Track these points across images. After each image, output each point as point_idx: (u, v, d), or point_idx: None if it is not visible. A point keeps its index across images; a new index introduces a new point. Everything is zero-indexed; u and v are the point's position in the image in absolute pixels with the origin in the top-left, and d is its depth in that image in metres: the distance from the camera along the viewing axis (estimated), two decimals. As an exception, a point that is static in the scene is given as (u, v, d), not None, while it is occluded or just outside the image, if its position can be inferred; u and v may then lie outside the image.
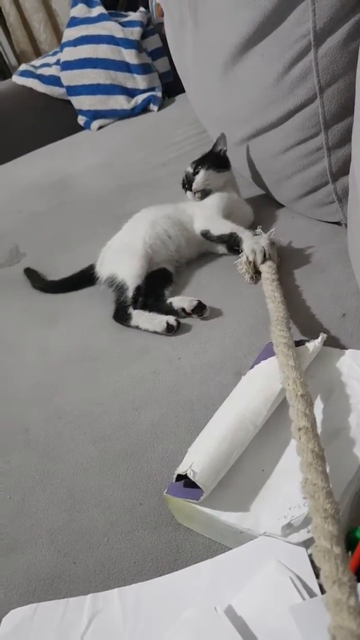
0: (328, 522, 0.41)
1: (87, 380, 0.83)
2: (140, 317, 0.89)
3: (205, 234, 1.01)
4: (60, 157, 1.83)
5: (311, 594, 0.42)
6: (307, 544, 0.45)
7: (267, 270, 0.87)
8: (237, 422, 0.56)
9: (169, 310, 0.89)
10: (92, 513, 0.62)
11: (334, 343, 0.73)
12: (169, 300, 0.91)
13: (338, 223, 0.99)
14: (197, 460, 0.53)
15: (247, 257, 0.91)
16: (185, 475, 0.53)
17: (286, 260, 0.94)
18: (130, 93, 1.98)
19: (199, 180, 1.05)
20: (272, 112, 0.94)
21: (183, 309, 0.88)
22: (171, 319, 0.86)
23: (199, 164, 1.07)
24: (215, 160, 1.07)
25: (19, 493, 0.68)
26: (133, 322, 0.90)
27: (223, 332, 0.83)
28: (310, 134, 0.91)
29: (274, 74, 0.89)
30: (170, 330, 0.85)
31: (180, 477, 0.55)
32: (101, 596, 0.52)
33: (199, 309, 0.87)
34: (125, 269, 0.96)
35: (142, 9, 2.03)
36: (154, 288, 0.96)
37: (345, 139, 0.88)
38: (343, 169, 0.91)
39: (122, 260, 0.98)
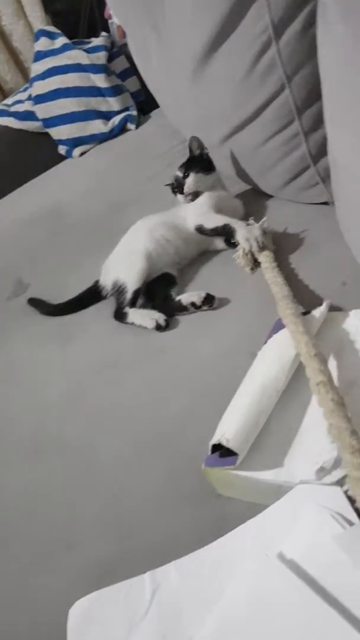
0: (356, 455, 0.45)
1: (113, 385, 0.87)
2: (134, 315, 0.95)
3: (199, 228, 1.04)
4: (49, 188, 1.88)
5: (351, 525, 0.46)
6: (340, 482, 0.49)
7: (265, 259, 0.91)
8: (259, 390, 0.60)
9: (179, 308, 0.92)
10: (136, 501, 0.66)
11: (339, 310, 0.76)
12: (178, 298, 0.94)
13: (326, 203, 1.03)
14: (227, 429, 0.57)
15: (244, 249, 0.94)
16: (220, 445, 0.57)
17: (282, 246, 0.97)
18: (106, 116, 2.03)
19: (190, 183, 1.09)
20: (245, 108, 0.99)
21: (193, 303, 0.91)
22: (161, 319, 0.91)
23: (188, 168, 1.10)
24: (201, 163, 1.11)
25: (66, 495, 0.72)
26: (129, 319, 0.95)
27: (233, 319, 0.87)
28: (285, 123, 0.96)
29: (241, 71, 0.94)
30: (158, 328, 0.91)
31: (214, 449, 0.58)
32: (159, 572, 0.55)
33: (209, 300, 0.90)
34: (126, 273, 1.00)
35: (103, 33, 2.10)
36: (160, 291, 0.99)
37: (319, 121, 0.91)
38: (322, 151, 0.95)
39: (123, 266, 1.03)
